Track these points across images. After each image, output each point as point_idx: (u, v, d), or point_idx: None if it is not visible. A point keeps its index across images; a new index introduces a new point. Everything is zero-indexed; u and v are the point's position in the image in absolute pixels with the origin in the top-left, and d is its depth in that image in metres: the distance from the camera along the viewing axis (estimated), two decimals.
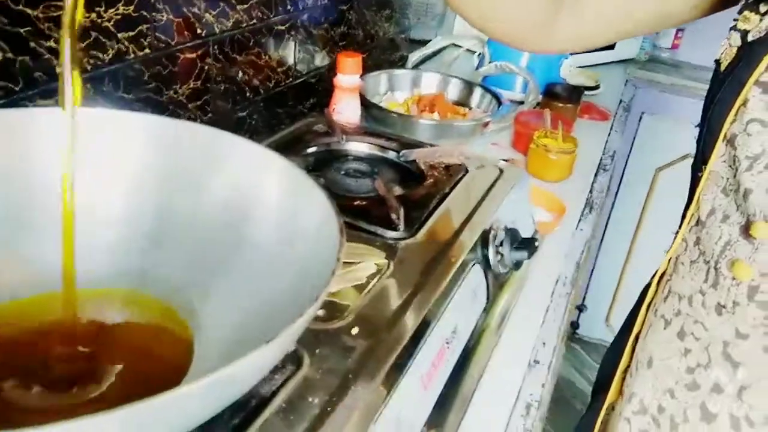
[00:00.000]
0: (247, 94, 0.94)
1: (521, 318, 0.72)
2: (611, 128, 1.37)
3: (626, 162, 1.81)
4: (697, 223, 0.46)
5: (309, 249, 0.39)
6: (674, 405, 0.45)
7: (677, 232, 0.49)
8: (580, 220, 1.01)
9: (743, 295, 0.40)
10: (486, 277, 0.65)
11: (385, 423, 0.45)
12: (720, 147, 0.43)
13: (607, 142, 1.30)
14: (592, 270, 1.98)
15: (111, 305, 0.44)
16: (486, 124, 1.13)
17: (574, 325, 2.09)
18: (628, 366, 0.54)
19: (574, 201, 1.03)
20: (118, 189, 0.45)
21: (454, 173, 0.74)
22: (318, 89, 1.13)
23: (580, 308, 2.07)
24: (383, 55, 1.41)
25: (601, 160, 1.22)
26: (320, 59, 1.12)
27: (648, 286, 0.54)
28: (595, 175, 1.17)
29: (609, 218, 1.90)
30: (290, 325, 0.27)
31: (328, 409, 0.42)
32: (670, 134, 1.73)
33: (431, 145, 0.81)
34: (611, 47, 1.74)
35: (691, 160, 0.48)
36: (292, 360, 0.45)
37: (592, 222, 1.05)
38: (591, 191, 1.10)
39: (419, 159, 0.75)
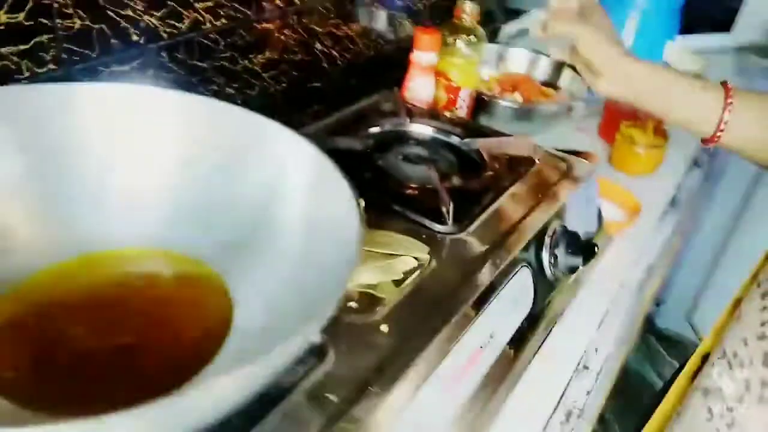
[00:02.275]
0: (323, 64, 0.94)
1: (572, 323, 0.69)
2: None
3: (710, 151, 1.67)
4: None
5: (330, 246, 0.39)
6: (745, 352, 0.52)
7: None
8: (660, 219, 0.95)
9: None
10: (535, 281, 0.62)
11: (405, 427, 0.45)
12: None
13: None
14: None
15: (154, 264, 0.47)
16: (570, 109, 1.07)
17: (650, 319, 2.00)
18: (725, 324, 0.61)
19: (656, 199, 0.97)
20: (154, 164, 0.47)
21: (517, 166, 0.71)
22: (402, 63, 1.11)
23: (658, 302, 1.97)
24: None
25: (694, 156, 1.14)
26: (405, 31, 1.09)
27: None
28: (687, 171, 1.09)
29: (701, 217, 1.77)
30: (284, 343, 0.28)
31: (347, 408, 0.42)
32: None
33: (502, 134, 0.78)
34: (727, 29, 1.59)
35: None
36: (316, 351, 0.46)
37: (674, 220, 0.98)
38: (679, 189, 1.02)
39: (483, 148, 0.73)
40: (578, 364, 0.68)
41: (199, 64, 0.74)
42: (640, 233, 0.88)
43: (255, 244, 0.45)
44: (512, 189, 0.68)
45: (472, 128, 0.77)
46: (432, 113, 0.82)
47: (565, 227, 0.66)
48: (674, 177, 1.04)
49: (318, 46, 0.91)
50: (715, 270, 1.82)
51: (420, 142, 0.75)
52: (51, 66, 0.59)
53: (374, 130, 0.76)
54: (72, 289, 0.43)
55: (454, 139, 0.75)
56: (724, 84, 0.61)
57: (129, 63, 0.66)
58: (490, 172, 0.69)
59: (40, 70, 0.58)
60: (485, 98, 1.01)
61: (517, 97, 1.09)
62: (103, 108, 0.45)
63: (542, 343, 0.63)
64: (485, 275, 0.56)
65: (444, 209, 0.61)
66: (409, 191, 0.65)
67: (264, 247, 0.45)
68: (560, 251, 0.64)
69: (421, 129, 0.76)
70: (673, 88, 0.61)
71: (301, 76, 0.90)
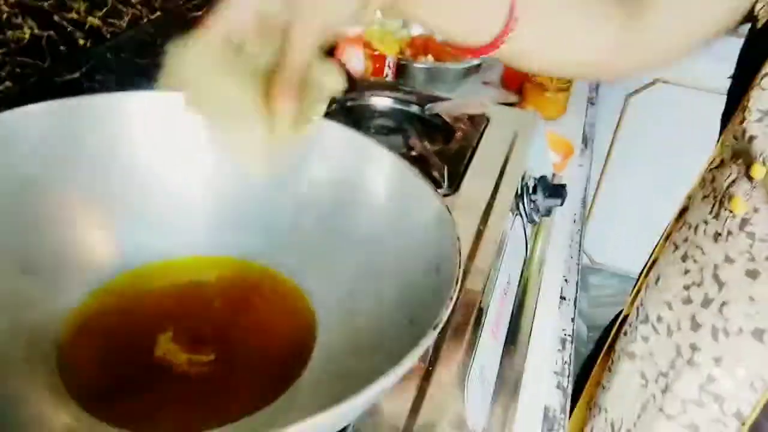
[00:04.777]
0: None
1: (552, 261, 0.76)
2: None
3: (596, 90, 1.85)
4: (717, 165, 0.50)
5: (419, 254, 0.40)
6: (670, 315, 0.51)
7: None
8: (580, 156, 1.04)
9: (736, 226, 0.46)
10: (524, 227, 0.67)
11: (474, 377, 0.48)
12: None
13: None
14: None
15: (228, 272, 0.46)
16: (479, 66, 1.13)
17: None
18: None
19: (573, 138, 1.06)
20: (215, 169, 0.45)
21: (478, 124, 0.75)
22: None
23: None
24: None
25: (588, 93, 1.25)
26: None
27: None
28: (586, 109, 1.20)
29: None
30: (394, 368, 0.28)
31: (429, 368, 0.45)
32: None
33: (447, 98, 0.81)
34: None
35: (660, 85, 0.51)
36: None
37: (589, 157, 1.08)
38: (585, 126, 1.13)
39: (443, 113, 0.76)
40: (558, 295, 0.75)
41: (140, 61, 0.70)
42: (571, 171, 0.97)
43: (332, 252, 0.44)
44: (481, 145, 0.72)
45: (425, 95, 0.80)
46: (381, 84, 0.84)
47: (534, 175, 0.72)
48: (579, 116, 1.15)
49: None
50: (596, 197, 2.01)
51: (383, 114, 0.76)
52: (8, 83, 0.53)
53: (333, 106, 0.76)
54: (145, 300, 0.41)
55: (414, 108, 0.77)
56: None
57: (78, 69, 0.61)
58: (459, 134, 0.73)
59: None
60: (403, 62, 1.04)
61: (429, 59, 1.13)
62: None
63: (540, 283, 0.69)
64: (494, 227, 0.60)
65: (437, 173, 0.63)
66: None
67: (342, 255, 0.44)
68: (538, 196, 0.69)
69: (381, 101, 0.78)
70: None
71: (177, 2, 0.86)
